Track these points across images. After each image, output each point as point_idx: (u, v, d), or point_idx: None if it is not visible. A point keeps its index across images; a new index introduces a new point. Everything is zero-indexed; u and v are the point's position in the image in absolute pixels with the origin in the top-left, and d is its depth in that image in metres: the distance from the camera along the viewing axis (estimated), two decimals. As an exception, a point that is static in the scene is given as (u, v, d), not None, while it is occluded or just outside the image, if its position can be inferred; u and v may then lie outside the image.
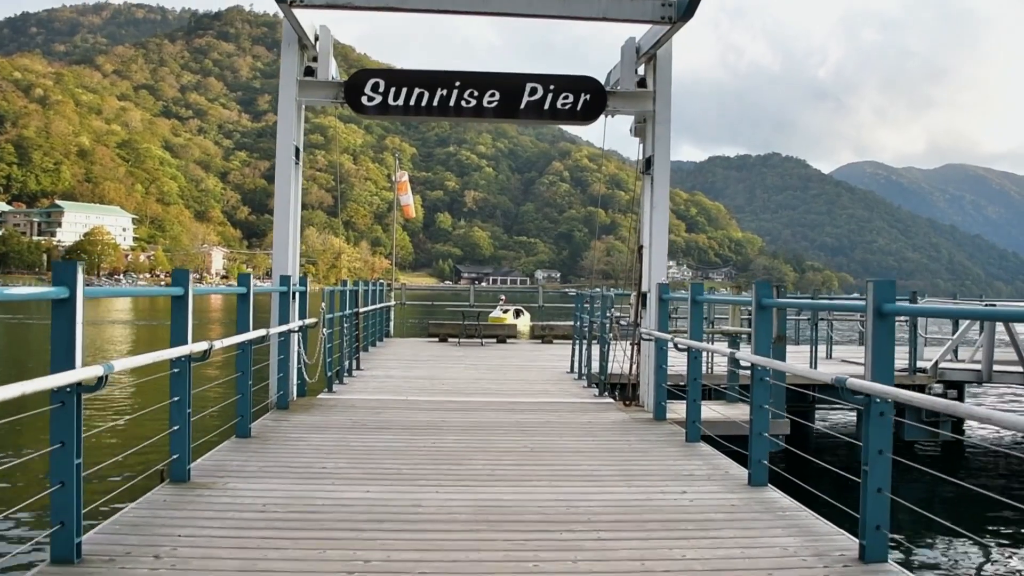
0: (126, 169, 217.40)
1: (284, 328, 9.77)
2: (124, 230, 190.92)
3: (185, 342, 6.13)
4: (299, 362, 11.07)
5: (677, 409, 10.08)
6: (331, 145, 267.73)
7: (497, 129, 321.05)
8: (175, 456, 6.27)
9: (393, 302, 24.25)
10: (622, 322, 12.71)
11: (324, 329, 11.27)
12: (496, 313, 23.75)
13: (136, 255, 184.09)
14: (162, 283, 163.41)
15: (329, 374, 11.95)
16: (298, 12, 9.79)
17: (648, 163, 11.07)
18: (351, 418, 9.69)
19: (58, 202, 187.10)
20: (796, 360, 12.83)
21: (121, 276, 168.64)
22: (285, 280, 10.13)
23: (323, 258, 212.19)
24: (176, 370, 6.23)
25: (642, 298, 11.06)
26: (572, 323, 27.31)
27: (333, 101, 10.93)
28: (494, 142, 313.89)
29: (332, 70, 11.10)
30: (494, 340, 22.48)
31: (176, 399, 6.23)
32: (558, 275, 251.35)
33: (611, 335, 11.80)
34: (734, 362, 11.45)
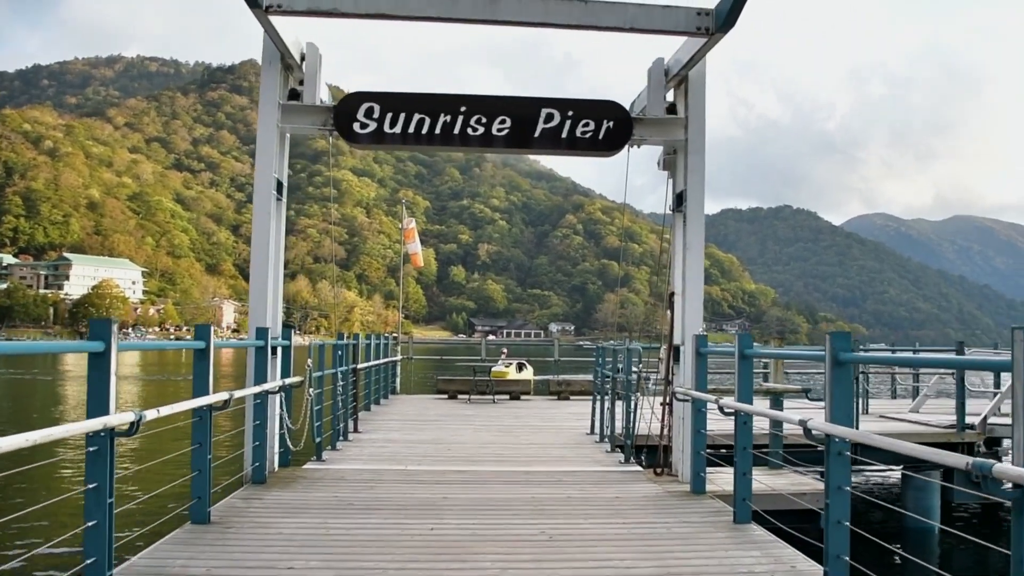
0: (136, 222, 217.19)
1: (260, 388, 8.39)
2: (134, 283, 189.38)
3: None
4: (282, 427, 9.68)
5: (714, 479, 8.64)
6: (344, 198, 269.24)
7: (511, 182, 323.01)
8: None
9: (399, 356, 22.83)
10: (649, 378, 11.24)
11: (311, 389, 9.87)
12: (498, 368, 22.45)
13: (146, 308, 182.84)
14: (172, 336, 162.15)
15: (318, 440, 10.52)
16: (277, 22, 8.54)
17: (680, 199, 9.72)
18: (337, 495, 8.25)
19: (66, 255, 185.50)
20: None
21: (130, 330, 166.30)
22: (262, 333, 8.77)
23: (336, 312, 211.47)
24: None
25: (674, 352, 9.64)
26: (591, 378, 25.94)
27: (321, 129, 9.64)
28: (507, 195, 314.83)
29: (322, 94, 9.83)
30: (507, 397, 21.02)
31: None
32: (572, 328, 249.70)
33: (638, 394, 10.35)
34: (777, 424, 10.00)
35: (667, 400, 9.73)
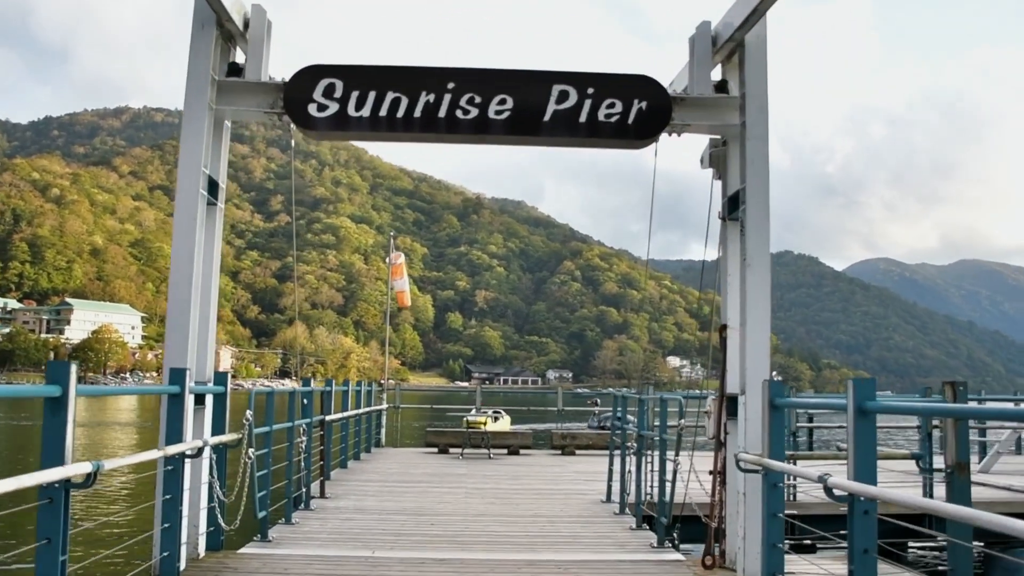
0: (138, 267, 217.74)
1: (169, 451, 6.10)
2: (133, 328, 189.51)
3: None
4: (212, 500, 7.38)
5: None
6: (342, 245, 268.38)
7: (508, 228, 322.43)
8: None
9: (385, 405, 20.44)
10: (687, 435, 8.89)
11: (249, 450, 7.53)
12: (473, 417, 20.23)
13: (144, 353, 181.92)
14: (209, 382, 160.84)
15: (262, 514, 8.16)
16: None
17: (734, 202, 7.49)
18: (268, 603, 5.93)
19: (68, 300, 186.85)
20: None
21: (127, 374, 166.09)
22: (177, 376, 6.48)
23: (332, 358, 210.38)
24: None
25: (727, 403, 7.36)
26: (590, 428, 23.54)
27: (268, 112, 7.44)
28: (505, 241, 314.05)
29: (271, 70, 7.65)
30: (504, 451, 18.65)
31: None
32: (570, 375, 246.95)
33: (676, 460, 8.00)
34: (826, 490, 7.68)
35: (719, 467, 7.41)
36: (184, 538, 6.85)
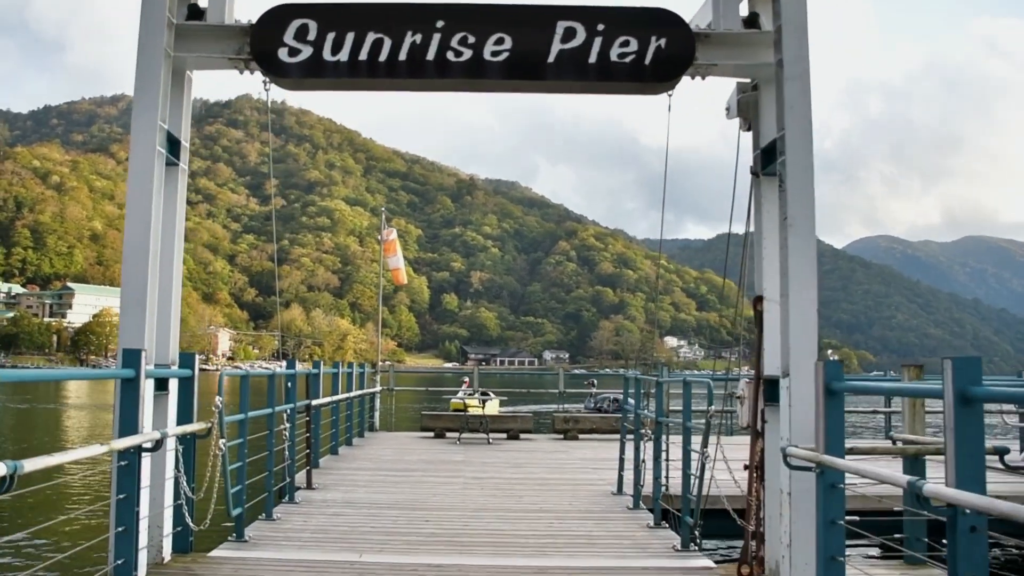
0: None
1: (122, 444, 5.21)
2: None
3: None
4: (178, 497, 6.50)
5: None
6: (337, 227, 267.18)
7: (503, 209, 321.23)
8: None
9: (378, 388, 19.54)
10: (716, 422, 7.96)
11: (221, 441, 6.62)
12: (459, 399, 19.35)
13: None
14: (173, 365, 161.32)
15: (237, 511, 7.26)
16: None
17: (768, 155, 6.57)
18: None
19: (70, 284, 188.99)
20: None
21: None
22: (132, 357, 5.56)
23: (329, 339, 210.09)
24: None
25: (766, 387, 6.45)
26: (584, 410, 22.66)
27: (234, 59, 6.49)
28: (500, 222, 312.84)
29: (236, 12, 6.69)
30: (503, 436, 17.80)
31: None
32: (566, 355, 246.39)
33: (704, 452, 7.09)
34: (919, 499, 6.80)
35: (756, 461, 6.51)
36: (145, 541, 6.01)
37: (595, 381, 31.06)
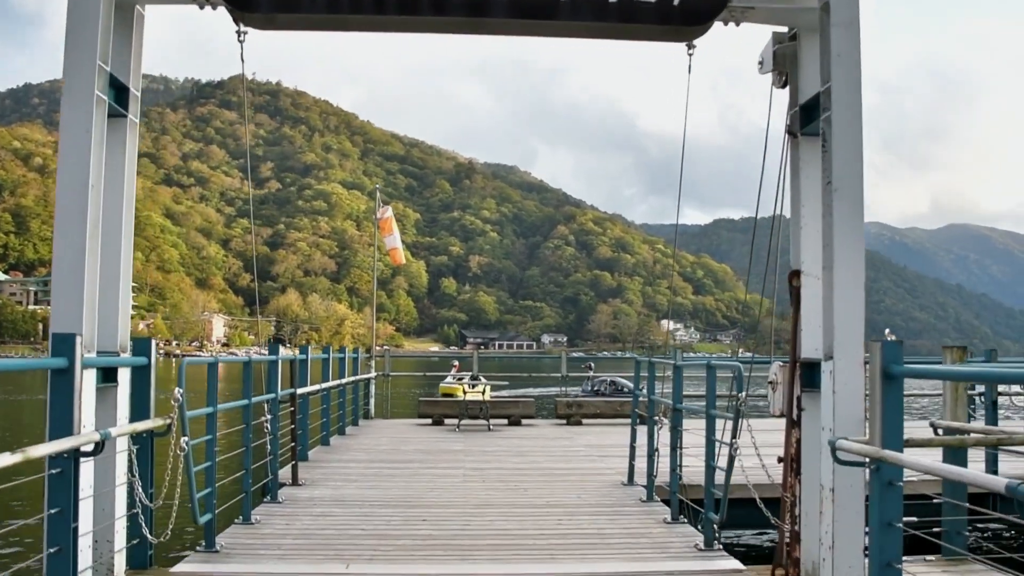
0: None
1: (41, 451, 4.35)
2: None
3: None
4: (134, 506, 5.65)
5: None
6: (334, 211, 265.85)
7: (501, 194, 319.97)
8: None
9: (374, 373, 18.69)
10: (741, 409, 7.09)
11: (182, 439, 5.76)
12: (448, 383, 18.48)
13: (135, 323, 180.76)
14: (161, 351, 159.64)
15: (205, 518, 6.43)
16: None
17: (809, 111, 5.70)
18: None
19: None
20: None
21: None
22: (64, 343, 4.70)
23: (326, 325, 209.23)
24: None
25: (804, 372, 5.62)
26: (591, 395, 21.89)
27: (193, -3, 5.59)
28: (498, 207, 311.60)
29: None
30: (504, 422, 17.01)
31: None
32: (564, 339, 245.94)
33: (734, 443, 6.23)
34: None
35: (793, 451, 5.69)
36: (89, 560, 5.17)
37: (592, 364, 30.38)
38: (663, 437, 8.11)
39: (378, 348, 20.74)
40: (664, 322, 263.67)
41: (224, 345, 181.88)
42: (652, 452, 8.58)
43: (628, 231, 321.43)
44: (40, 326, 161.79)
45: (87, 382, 4.98)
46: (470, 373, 20.84)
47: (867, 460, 4.34)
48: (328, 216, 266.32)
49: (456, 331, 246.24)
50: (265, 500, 8.39)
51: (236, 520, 7.43)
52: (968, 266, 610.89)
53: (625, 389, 36.39)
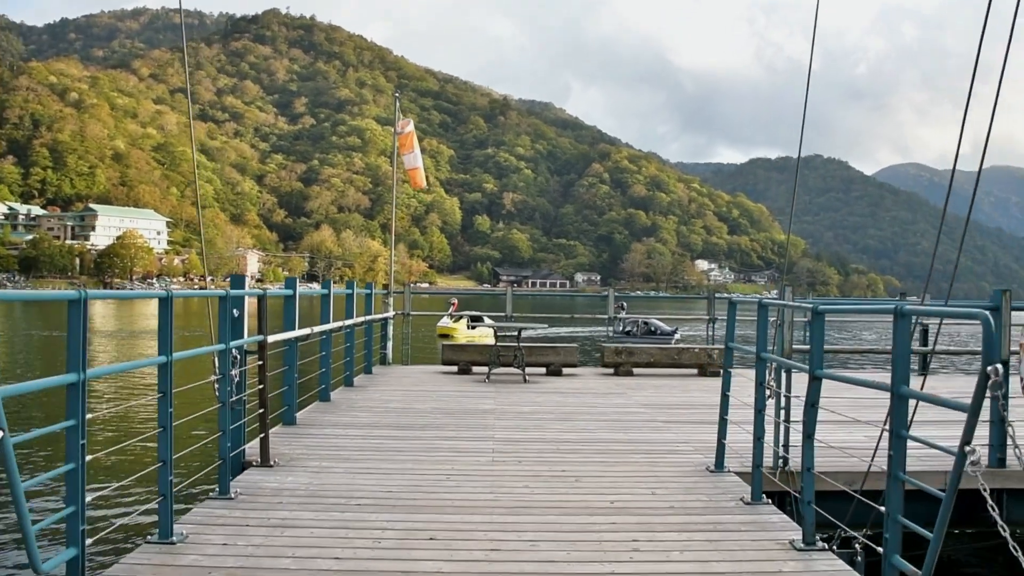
0: (161, 172, 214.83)
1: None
2: (158, 233, 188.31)
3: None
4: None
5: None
6: (368, 147, 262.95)
7: (536, 131, 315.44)
8: None
9: (391, 312, 16.20)
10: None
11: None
12: (444, 323, 16.03)
13: (170, 258, 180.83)
14: (196, 286, 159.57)
15: (51, 562, 3.93)
16: None
17: None
18: None
19: (92, 206, 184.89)
20: None
21: (154, 280, 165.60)
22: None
23: (360, 261, 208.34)
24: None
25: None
26: (622, 336, 19.19)
27: None
28: (533, 144, 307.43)
29: None
30: (542, 371, 14.53)
31: None
32: (598, 278, 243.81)
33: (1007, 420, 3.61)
34: None
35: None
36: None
37: (624, 304, 28.20)
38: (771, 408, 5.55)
39: (400, 285, 18.19)
40: (699, 262, 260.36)
41: (258, 281, 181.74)
42: (760, 433, 5.99)
43: (663, 169, 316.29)
44: (77, 261, 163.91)
45: None
46: (471, 313, 18.41)
47: None
48: (362, 152, 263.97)
49: (489, 268, 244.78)
50: (211, 495, 5.92)
51: (149, 536, 4.93)
52: (1009, 209, 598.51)
53: (658, 331, 33.96)
